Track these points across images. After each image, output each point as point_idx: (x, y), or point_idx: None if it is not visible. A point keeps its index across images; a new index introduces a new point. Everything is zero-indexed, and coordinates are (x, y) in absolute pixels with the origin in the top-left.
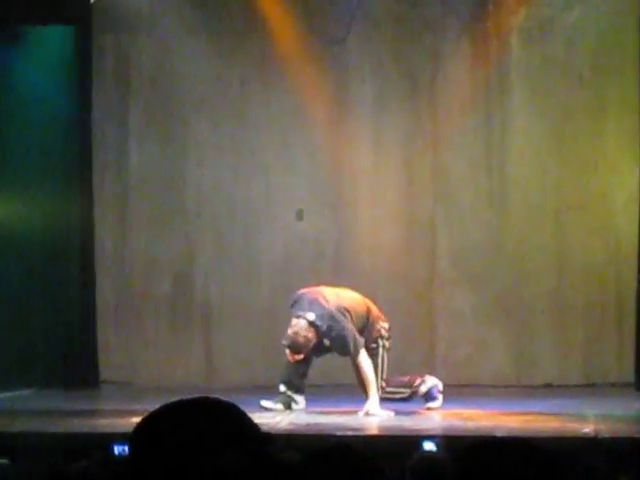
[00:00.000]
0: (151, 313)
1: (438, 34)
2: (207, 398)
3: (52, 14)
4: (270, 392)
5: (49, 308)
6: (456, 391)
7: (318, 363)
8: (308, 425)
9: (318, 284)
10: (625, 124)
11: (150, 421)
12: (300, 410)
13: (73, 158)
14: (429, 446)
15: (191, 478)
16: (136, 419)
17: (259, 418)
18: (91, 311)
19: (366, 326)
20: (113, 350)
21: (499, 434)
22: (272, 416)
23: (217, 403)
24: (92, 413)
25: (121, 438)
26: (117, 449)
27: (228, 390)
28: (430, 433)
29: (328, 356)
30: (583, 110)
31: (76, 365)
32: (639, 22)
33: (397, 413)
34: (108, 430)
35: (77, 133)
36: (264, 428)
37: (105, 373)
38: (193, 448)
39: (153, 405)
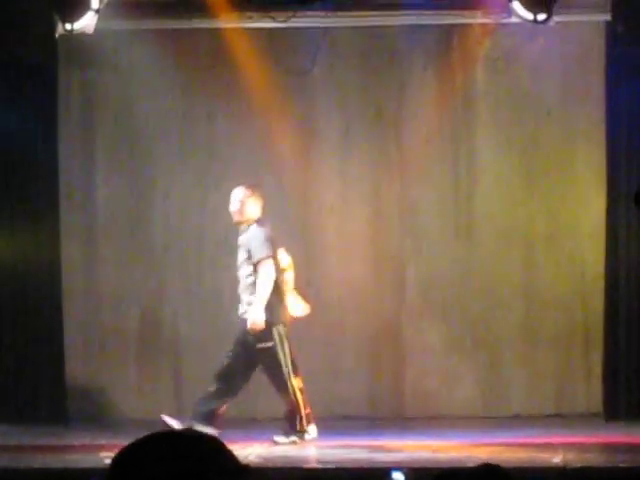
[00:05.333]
0: (119, 347)
1: (404, 66)
2: (187, 430)
3: (19, 51)
4: (237, 424)
5: (18, 344)
6: (425, 423)
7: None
8: (276, 458)
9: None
10: (592, 154)
11: (129, 453)
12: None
13: (40, 193)
14: (397, 476)
15: None
16: (106, 453)
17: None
18: (59, 346)
19: None
20: (82, 385)
21: (469, 465)
22: (240, 449)
23: (197, 435)
24: (63, 448)
25: (93, 473)
26: None
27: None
28: (399, 465)
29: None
30: (550, 141)
31: (46, 400)
32: (605, 51)
33: (366, 447)
34: (79, 465)
35: (44, 168)
36: None
37: (74, 408)
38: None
39: (123, 439)
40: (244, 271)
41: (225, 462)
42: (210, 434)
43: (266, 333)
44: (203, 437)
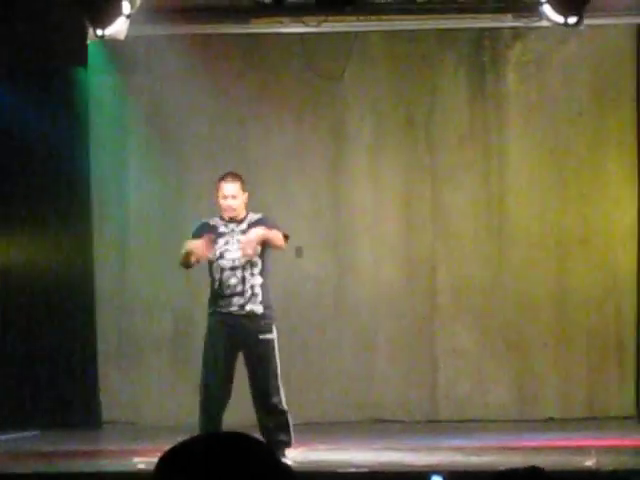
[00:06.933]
0: (152, 353)
1: (435, 69)
2: (236, 433)
3: (51, 56)
4: None
5: (51, 349)
6: (459, 426)
7: (319, 401)
8: (312, 462)
9: (319, 321)
10: (624, 157)
11: (177, 453)
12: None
13: (72, 197)
14: None
15: None
16: (139, 459)
17: None
18: (93, 352)
19: None
20: (115, 390)
21: (502, 468)
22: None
23: (246, 438)
24: (96, 453)
25: (126, 478)
26: None
27: (231, 427)
28: (434, 469)
29: (329, 394)
30: (581, 143)
31: (79, 406)
32: (635, 54)
33: (400, 449)
34: (112, 470)
35: (76, 172)
36: None
37: (107, 413)
38: None
39: (155, 444)
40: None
41: (271, 464)
42: (256, 438)
43: (270, 325)
44: (250, 439)
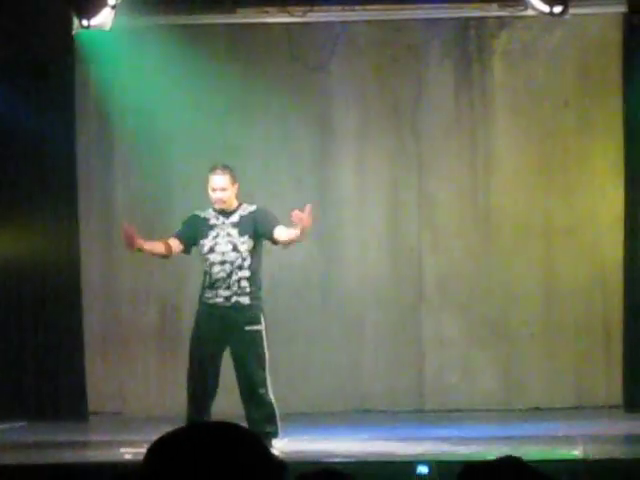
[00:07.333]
0: (139, 343)
1: (421, 59)
2: (224, 423)
3: (36, 47)
4: None
5: (38, 340)
6: (445, 416)
7: (306, 391)
8: (298, 452)
9: (306, 310)
10: (610, 145)
11: (165, 443)
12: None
13: (58, 189)
14: (423, 470)
15: None
16: (125, 449)
17: None
18: (79, 343)
19: None
20: (101, 381)
21: (489, 458)
22: None
23: (234, 427)
24: (83, 444)
25: (113, 469)
26: None
27: (219, 418)
28: (421, 458)
29: (315, 384)
30: (568, 132)
31: (66, 397)
32: (622, 42)
33: (387, 439)
34: (99, 461)
35: (62, 164)
36: None
37: (94, 404)
38: (210, 471)
39: (142, 435)
40: (241, 253)
41: (261, 454)
42: (246, 428)
43: (258, 316)
44: (239, 428)
